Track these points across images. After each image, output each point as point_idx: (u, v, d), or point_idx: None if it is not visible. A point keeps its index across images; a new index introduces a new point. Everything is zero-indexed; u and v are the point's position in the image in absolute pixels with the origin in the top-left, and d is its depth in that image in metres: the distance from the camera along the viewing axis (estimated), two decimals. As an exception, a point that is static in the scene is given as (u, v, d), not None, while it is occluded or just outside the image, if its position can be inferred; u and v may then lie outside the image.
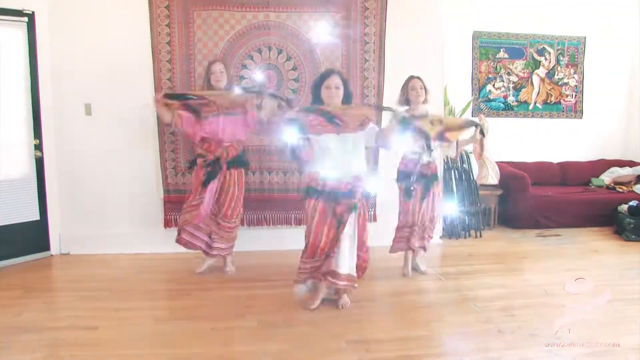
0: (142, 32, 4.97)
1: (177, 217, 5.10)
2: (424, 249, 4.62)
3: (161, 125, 4.97)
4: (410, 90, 4.36)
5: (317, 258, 3.70)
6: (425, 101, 4.39)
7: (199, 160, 4.36)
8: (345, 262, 3.62)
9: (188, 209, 4.41)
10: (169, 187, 5.16)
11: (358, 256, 3.76)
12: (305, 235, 3.78)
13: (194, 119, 4.29)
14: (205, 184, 4.29)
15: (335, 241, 3.63)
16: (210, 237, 4.46)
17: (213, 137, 4.32)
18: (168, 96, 4.36)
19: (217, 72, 4.34)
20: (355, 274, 3.71)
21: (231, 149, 4.37)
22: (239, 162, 4.44)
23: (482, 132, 4.24)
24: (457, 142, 4.49)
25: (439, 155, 5.05)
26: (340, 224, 3.61)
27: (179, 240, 4.49)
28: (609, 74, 7.43)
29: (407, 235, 4.51)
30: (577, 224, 6.37)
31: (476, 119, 4.40)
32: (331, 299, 3.84)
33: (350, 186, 3.62)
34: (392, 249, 4.59)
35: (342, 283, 3.64)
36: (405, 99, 4.40)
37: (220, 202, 4.40)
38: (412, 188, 4.38)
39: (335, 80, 3.65)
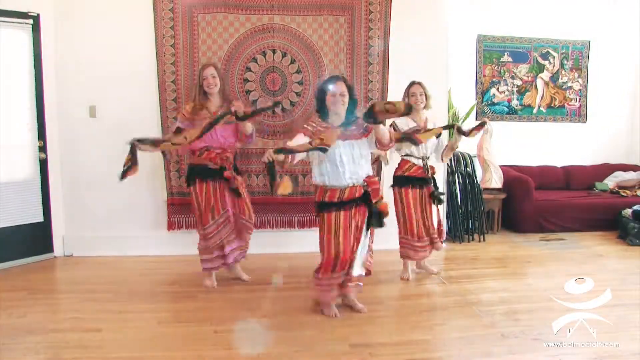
0: (146, 34, 4.99)
1: (181, 219, 5.12)
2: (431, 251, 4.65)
3: (165, 128, 4.97)
4: (410, 97, 4.39)
5: (343, 272, 3.63)
6: (426, 107, 4.40)
7: (199, 185, 4.23)
8: (359, 263, 3.67)
9: (213, 232, 4.25)
10: (173, 189, 5.16)
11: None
12: (325, 250, 3.63)
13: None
14: (236, 194, 4.25)
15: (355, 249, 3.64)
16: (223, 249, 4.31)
17: (212, 145, 4.16)
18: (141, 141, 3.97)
19: (209, 78, 4.16)
20: (363, 274, 3.74)
21: (231, 154, 4.29)
22: (235, 169, 4.35)
23: (460, 131, 4.23)
24: (446, 146, 4.53)
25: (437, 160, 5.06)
26: (368, 229, 3.64)
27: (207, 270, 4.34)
28: (613, 78, 7.41)
29: (427, 243, 4.51)
30: (580, 229, 6.35)
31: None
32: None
33: (364, 189, 3.61)
34: (404, 255, 4.59)
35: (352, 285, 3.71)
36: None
37: (241, 205, 4.31)
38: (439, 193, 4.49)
39: (340, 87, 3.60)
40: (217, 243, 4.25)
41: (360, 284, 3.76)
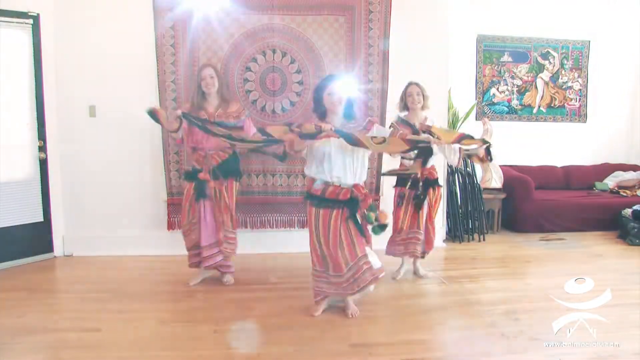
0: (146, 34, 4.98)
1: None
2: (422, 255, 4.61)
3: (165, 127, 4.96)
4: (407, 97, 4.39)
5: (333, 273, 3.60)
6: (424, 107, 4.39)
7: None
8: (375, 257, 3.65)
9: (187, 232, 4.33)
10: (173, 189, 5.16)
11: None
12: (312, 248, 3.66)
13: (186, 127, 4.13)
14: (197, 199, 4.22)
15: (355, 251, 3.57)
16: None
17: (198, 145, 4.17)
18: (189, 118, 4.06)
19: (207, 78, 4.16)
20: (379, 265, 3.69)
21: (215, 157, 4.18)
22: (226, 171, 4.25)
23: (488, 153, 4.14)
24: (460, 150, 4.48)
25: (442, 161, 5.05)
26: (361, 233, 3.59)
27: (192, 266, 4.42)
28: (613, 78, 7.42)
29: (403, 240, 4.50)
30: (580, 228, 6.36)
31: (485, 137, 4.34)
32: (335, 306, 3.83)
33: (349, 194, 3.54)
34: (387, 252, 4.59)
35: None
36: (404, 105, 4.42)
37: (219, 212, 4.26)
38: (403, 194, 4.43)
39: (338, 86, 3.57)
40: (193, 242, 4.33)
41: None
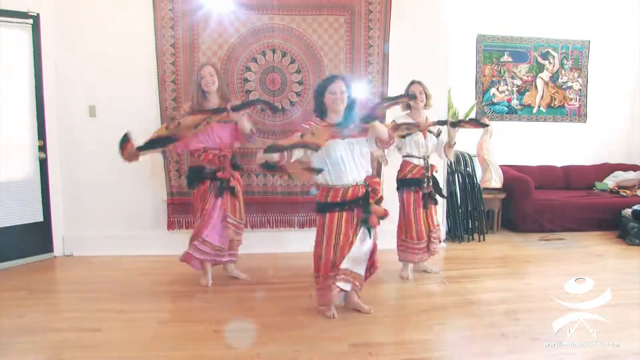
0: (146, 34, 4.99)
1: (181, 219, 5.12)
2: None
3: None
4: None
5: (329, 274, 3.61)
6: (426, 106, 4.40)
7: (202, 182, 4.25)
8: (349, 258, 3.60)
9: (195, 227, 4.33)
10: (173, 189, 5.17)
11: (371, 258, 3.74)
12: (324, 250, 3.60)
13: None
14: (219, 194, 4.21)
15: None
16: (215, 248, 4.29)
17: (208, 146, 4.18)
18: (144, 147, 4.05)
19: (207, 76, 4.16)
20: (361, 273, 3.67)
21: (229, 154, 4.24)
22: (235, 165, 4.34)
23: (453, 124, 4.21)
24: (445, 145, 4.51)
25: (441, 162, 5.06)
26: (369, 230, 3.61)
27: (185, 259, 4.32)
28: (613, 78, 7.42)
29: (425, 244, 4.51)
30: (580, 228, 6.35)
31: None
32: (335, 306, 3.80)
33: (365, 189, 3.59)
34: (415, 260, 4.58)
35: (340, 277, 3.59)
36: (406, 104, 4.41)
37: (233, 204, 4.27)
38: (428, 195, 4.45)
39: (340, 85, 3.57)
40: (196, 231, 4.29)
41: (358, 284, 3.68)
